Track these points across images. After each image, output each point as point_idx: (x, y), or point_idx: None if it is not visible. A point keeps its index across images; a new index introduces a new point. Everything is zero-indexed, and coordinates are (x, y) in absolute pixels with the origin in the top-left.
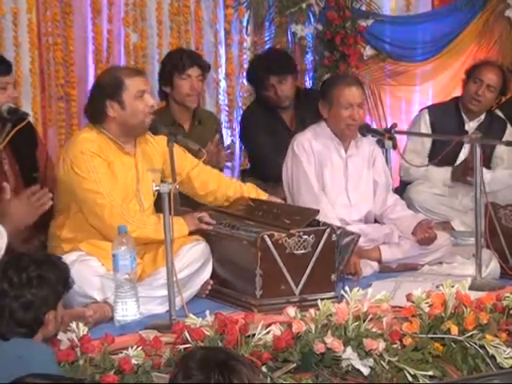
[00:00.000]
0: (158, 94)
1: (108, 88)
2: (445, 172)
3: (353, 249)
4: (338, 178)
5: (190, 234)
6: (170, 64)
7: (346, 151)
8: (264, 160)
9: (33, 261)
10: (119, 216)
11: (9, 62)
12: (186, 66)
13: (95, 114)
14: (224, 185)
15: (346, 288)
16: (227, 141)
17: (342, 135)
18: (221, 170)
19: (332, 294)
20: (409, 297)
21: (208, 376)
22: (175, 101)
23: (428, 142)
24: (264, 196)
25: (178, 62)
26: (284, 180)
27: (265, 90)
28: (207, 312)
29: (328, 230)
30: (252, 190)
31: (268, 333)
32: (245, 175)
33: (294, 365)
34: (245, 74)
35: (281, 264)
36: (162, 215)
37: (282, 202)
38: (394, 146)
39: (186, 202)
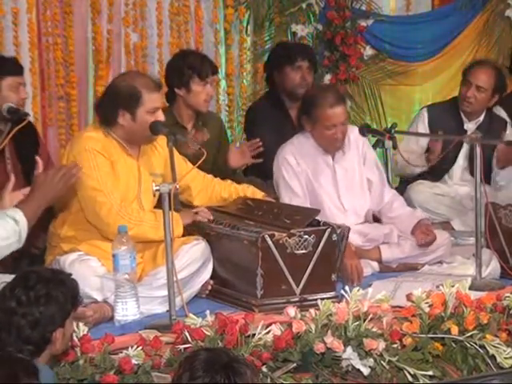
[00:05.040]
0: (166, 95)
1: (125, 98)
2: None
3: (345, 243)
4: (328, 185)
5: (189, 232)
6: (188, 68)
7: (332, 158)
8: (266, 155)
9: (41, 279)
10: (116, 214)
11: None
12: (208, 73)
13: (106, 117)
14: (218, 189)
15: (346, 288)
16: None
17: (327, 150)
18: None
19: (332, 293)
20: (409, 297)
21: (214, 378)
22: (185, 104)
23: (424, 140)
24: (260, 196)
25: (200, 67)
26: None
27: (292, 72)
28: (207, 312)
29: (329, 230)
30: (248, 191)
31: (268, 333)
32: (246, 172)
33: (294, 365)
34: (245, 73)
35: (282, 264)
36: (158, 211)
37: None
38: (394, 146)
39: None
